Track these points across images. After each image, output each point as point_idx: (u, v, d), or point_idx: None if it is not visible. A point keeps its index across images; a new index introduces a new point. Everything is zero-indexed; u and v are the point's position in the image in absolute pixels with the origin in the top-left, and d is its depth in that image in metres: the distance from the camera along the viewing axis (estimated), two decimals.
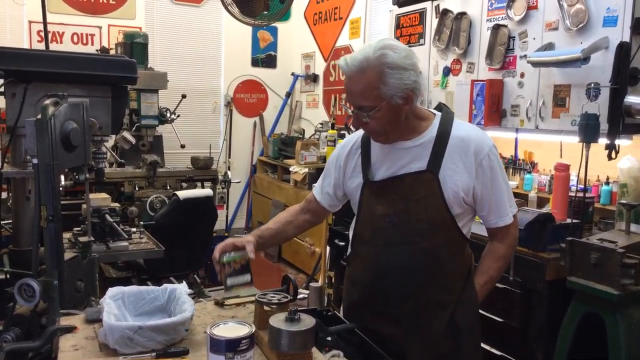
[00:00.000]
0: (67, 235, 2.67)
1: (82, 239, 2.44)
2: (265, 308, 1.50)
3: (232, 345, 1.22)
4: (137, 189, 4.37)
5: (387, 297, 1.72)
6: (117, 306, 1.56)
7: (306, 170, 5.26)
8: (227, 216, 6.49)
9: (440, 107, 1.78)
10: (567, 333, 2.32)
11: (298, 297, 1.75)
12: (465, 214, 1.70)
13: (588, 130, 2.44)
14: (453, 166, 1.64)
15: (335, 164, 1.85)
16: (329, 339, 1.59)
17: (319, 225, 4.30)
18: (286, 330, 1.32)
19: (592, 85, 2.56)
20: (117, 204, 2.95)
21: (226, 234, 6.42)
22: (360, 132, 1.82)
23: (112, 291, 1.60)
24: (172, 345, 1.44)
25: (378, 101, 1.56)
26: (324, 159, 5.32)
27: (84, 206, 2.76)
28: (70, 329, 1.52)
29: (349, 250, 1.87)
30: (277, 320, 1.36)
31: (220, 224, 5.19)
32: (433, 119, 1.70)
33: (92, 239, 2.37)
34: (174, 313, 1.55)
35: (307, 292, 3.91)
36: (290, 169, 5.57)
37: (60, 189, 1.93)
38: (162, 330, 1.42)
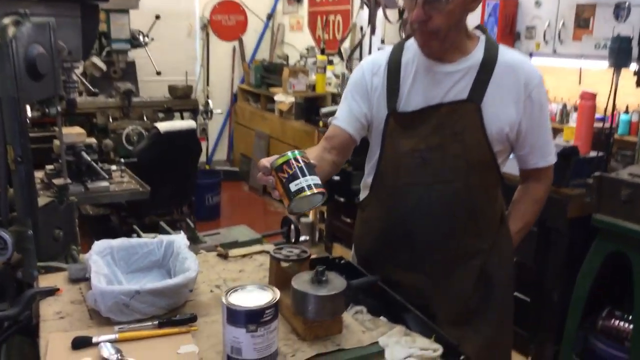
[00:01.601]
0: (39, 175, 2.40)
1: (57, 181, 2.17)
2: (283, 265, 1.29)
3: (254, 317, 1.01)
4: (110, 120, 4.06)
5: (413, 244, 1.53)
6: (105, 263, 1.34)
7: (293, 99, 4.94)
8: (207, 148, 6.20)
9: (482, 29, 1.52)
10: (588, 273, 2.19)
11: (300, 239, 1.57)
12: (504, 152, 1.51)
13: (620, 54, 2.22)
14: (499, 97, 1.43)
15: (360, 85, 1.56)
16: None
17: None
18: (314, 295, 1.11)
19: (627, 3, 2.30)
20: (93, 139, 2.65)
21: (207, 167, 6.18)
22: (386, 53, 1.56)
23: (98, 246, 1.37)
24: (174, 310, 1.23)
25: None
26: (313, 87, 5.00)
27: (56, 142, 2.47)
28: (52, 291, 1.30)
29: (364, 193, 1.65)
30: (302, 282, 1.15)
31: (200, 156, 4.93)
32: (478, 41, 1.48)
33: (69, 180, 2.10)
34: (174, 271, 1.34)
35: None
36: (275, 98, 5.25)
37: (27, 120, 1.66)
38: (163, 294, 1.20)
